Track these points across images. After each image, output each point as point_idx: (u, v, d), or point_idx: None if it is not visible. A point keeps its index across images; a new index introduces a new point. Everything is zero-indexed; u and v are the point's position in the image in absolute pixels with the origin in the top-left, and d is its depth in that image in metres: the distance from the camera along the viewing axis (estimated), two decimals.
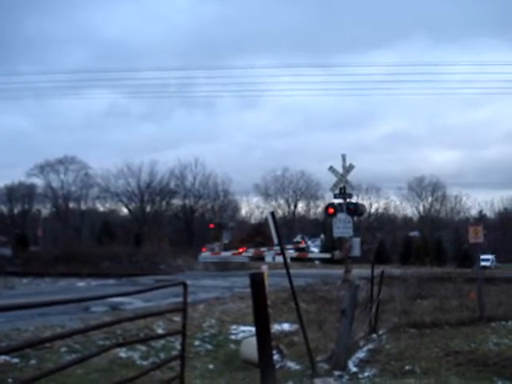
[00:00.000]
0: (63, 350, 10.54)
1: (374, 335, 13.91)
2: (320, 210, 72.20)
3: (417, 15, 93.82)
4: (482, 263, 52.54)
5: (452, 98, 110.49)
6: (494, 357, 10.97)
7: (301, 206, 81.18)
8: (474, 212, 79.21)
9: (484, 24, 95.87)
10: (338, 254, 33.34)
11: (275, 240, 10.05)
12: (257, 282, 7.02)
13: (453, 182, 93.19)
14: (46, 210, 73.49)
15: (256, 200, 79.44)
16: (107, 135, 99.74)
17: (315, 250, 56.92)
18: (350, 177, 27.60)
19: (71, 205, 75.33)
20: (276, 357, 9.66)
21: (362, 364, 10.88)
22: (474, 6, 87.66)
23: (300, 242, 53.54)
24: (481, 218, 70.00)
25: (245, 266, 37.54)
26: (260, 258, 37.83)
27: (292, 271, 10.16)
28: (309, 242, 60.18)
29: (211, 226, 50.44)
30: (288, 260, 11.09)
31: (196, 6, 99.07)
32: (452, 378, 9.79)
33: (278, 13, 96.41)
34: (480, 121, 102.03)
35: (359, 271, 25.77)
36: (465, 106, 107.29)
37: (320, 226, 69.55)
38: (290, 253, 37.50)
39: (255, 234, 51.38)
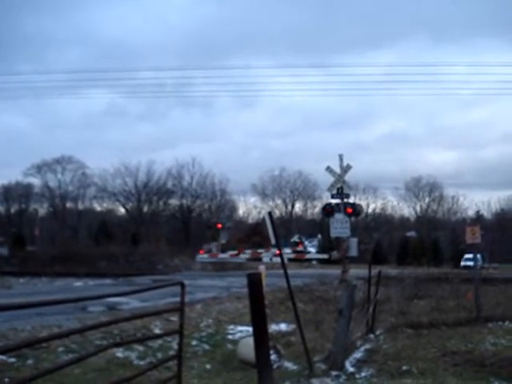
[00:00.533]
0: (60, 349, 10.54)
1: (371, 335, 13.93)
2: (317, 210, 72.39)
3: (416, 15, 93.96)
4: (467, 263, 52.59)
5: (450, 99, 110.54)
6: (491, 357, 10.99)
7: (298, 206, 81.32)
8: (471, 212, 79.42)
9: (484, 24, 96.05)
10: (335, 254, 33.41)
11: (272, 240, 10.05)
12: (254, 282, 7.02)
13: (450, 183, 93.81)
14: (42, 209, 73.45)
15: (253, 200, 79.57)
16: (105, 135, 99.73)
17: (312, 250, 57.00)
18: (348, 177, 27.62)
19: (68, 204, 75.30)
20: (273, 357, 9.66)
21: (360, 364, 10.89)
22: (474, 6, 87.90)
23: (297, 243, 53.58)
24: (478, 219, 70.14)
25: (242, 266, 37.54)
26: (257, 259, 37.81)
27: (289, 271, 10.16)
28: (306, 242, 60.26)
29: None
30: (285, 260, 11.10)
31: (194, 6, 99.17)
32: (449, 378, 9.80)
33: (277, 13, 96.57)
34: (478, 121, 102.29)
35: (356, 271, 25.81)
36: (463, 107, 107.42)
37: (317, 226, 69.65)
38: (288, 252, 37.51)
39: (252, 234, 51.38)
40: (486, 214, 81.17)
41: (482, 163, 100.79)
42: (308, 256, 46.87)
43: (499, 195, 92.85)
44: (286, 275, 9.74)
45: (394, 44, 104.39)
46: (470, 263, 49.87)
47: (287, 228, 70.46)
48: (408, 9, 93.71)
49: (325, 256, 44.41)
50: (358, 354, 11.68)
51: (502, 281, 25.06)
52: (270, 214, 10.33)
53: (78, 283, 28.86)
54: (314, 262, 50.02)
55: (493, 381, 9.66)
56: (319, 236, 63.04)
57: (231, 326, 14.61)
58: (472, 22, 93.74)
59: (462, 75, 79.17)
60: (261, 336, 7.14)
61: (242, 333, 13.51)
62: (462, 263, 52.98)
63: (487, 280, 22.69)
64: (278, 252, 11.54)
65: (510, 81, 66.47)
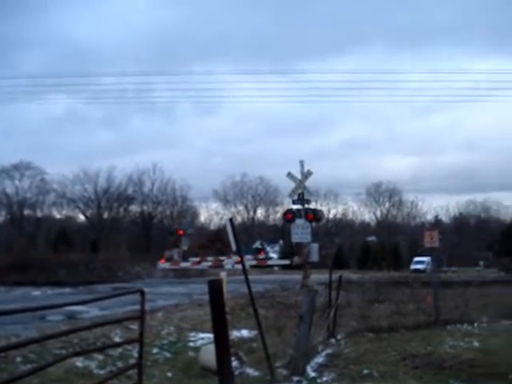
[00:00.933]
0: (18, 359, 10.34)
1: (333, 340, 14.01)
2: (279, 215, 72.57)
3: (376, 23, 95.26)
4: (416, 266, 53.05)
5: (410, 105, 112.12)
6: (450, 359, 11.17)
7: (260, 212, 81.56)
8: (429, 217, 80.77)
9: (442, 33, 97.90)
10: (296, 259, 33.52)
11: (233, 247, 10.04)
12: (215, 289, 6.98)
13: (409, 188, 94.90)
14: (0, 216, 72.07)
15: (215, 206, 79.47)
16: (64, 141, 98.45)
17: (274, 255, 57.08)
18: (309, 183, 27.81)
19: (26, 212, 73.85)
20: (235, 363, 9.65)
21: (321, 369, 10.94)
22: (432, 14, 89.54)
23: (259, 250, 53.55)
24: (436, 223, 71.29)
25: (204, 273, 37.38)
26: (220, 267, 37.64)
27: (251, 277, 10.17)
28: (268, 248, 60.33)
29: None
30: (247, 267, 11.09)
31: (157, 11, 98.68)
32: (409, 381, 9.93)
33: (239, 19, 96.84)
34: (436, 128, 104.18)
35: (317, 276, 25.92)
36: (421, 113, 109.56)
37: (279, 232, 69.86)
38: (249, 258, 37.44)
39: (214, 241, 51.22)
40: (445, 218, 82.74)
41: (441, 169, 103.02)
42: (270, 262, 46.85)
43: (458, 200, 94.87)
44: (247, 282, 9.74)
45: (354, 51, 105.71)
46: (420, 266, 50.68)
47: (249, 234, 70.54)
48: (368, 17, 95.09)
49: (286, 262, 44.51)
50: (319, 359, 11.74)
51: (461, 284, 25.42)
52: (231, 220, 10.32)
53: (37, 292, 28.37)
54: (276, 268, 50.12)
55: (452, 383, 9.81)
56: (281, 242, 63.25)
57: (193, 333, 14.52)
58: (430, 30, 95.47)
59: (421, 82, 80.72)
60: (222, 343, 7.11)
61: (204, 340, 13.44)
62: (412, 266, 53.63)
63: (446, 283, 23.03)
64: (239, 259, 11.53)
65: (467, 88, 67.84)
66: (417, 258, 55.27)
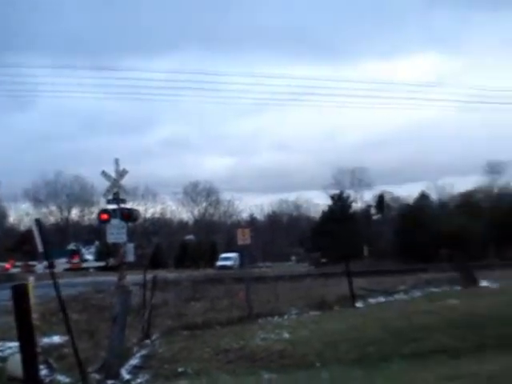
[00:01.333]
0: None
1: (148, 340, 13.93)
2: (95, 215, 70.61)
3: (200, 26, 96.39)
4: (223, 263, 54.20)
5: (226, 107, 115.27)
6: (262, 352, 11.60)
7: (75, 213, 78.67)
8: (245, 215, 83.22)
9: (262, 39, 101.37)
10: (112, 260, 32.98)
11: (40, 249, 9.61)
12: (19, 294, 6.66)
13: (226, 187, 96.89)
14: None
15: (25, 206, 75.42)
16: None
17: (90, 257, 55.63)
18: (127, 182, 27.28)
19: None
20: (45, 371, 9.31)
21: (135, 371, 10.86)
22: (254, 21, 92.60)
23: (74, 252, 51.86)
24: (251, 221, 73.79)
25: (12, 278, 35.41)
26: (31, 271, 35.93)
27: (64, 280, 9.85)
28: (83, 250, 58.61)
29: None
30: (61, 270, 10.67)
31: None
32: (222, 376, 10.14)
33: (56, 11, 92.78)
34: (251, 129, 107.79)
35: (134, 277, 25.62)
36: (237, 115, 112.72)
37: (95, 233, 68.11)
38: (62, 262, 36.17)
39: (22, 243, 48.77)
40: (260, 216, 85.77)
41: (256, 169, 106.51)
42: (85, 265, 45.67)
43: (272, 198, 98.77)
44: (56, 286, 9.37)
45: (177, 52, 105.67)
46: (227, 263, 51.83)
47: (63, 235, 67.92)
48: (193, 19, 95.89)
49: (101, 264, 43.68)
50: (134, 361, 11.63)
51: (273, 278, 26.52)
52: (37, 221, 9.89)
53: None
54: (92, 270, 48.88)
55: (263, 374, 10.17)
56: (97, 242, 61.73)
57: (0, 343, 13.67)
58: (249, 35, 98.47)
59: (238, 85, 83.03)
60: (29, 349, 6.81)
61: (13, 349, 12.67)
62: (219, 263, 54.68)
63: (259, 278, 23.88)
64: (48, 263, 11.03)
65: (281, 92, 71.10)
66: (223, 255, 56.48)
